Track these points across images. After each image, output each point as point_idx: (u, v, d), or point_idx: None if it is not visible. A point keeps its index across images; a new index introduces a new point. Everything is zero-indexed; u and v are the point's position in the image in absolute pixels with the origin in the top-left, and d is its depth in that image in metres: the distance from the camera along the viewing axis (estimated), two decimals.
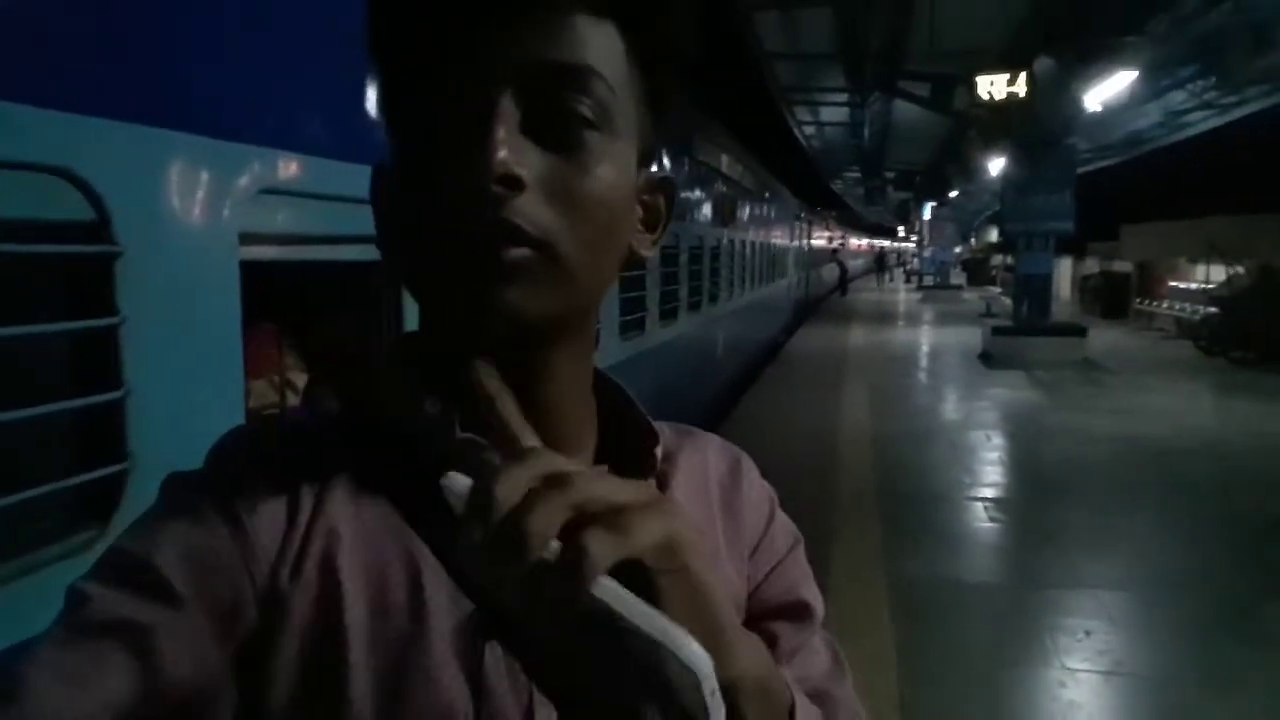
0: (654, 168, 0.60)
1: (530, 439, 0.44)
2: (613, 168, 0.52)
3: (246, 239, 1.64)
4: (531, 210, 0.48)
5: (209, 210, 1.56)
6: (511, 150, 0.47)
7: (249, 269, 1.65)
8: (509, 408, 0.46)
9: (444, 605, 0.52)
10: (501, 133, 0.47)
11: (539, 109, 0.49)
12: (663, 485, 0.63)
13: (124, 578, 0.47)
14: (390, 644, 0.51)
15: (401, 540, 0.54)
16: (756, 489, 0.69)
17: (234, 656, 0.48)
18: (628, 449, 0.62)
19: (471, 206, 0.47)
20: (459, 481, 0.38)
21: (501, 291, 0.49)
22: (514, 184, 0.47)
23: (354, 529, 0.53)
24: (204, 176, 1.55)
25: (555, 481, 0.37)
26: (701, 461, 0.67)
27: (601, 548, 0.36)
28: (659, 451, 0.62)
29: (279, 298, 2.35)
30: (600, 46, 0.51)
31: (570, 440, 0.59)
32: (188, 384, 1.51)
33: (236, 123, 1.63)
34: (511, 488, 0.37)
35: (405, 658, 0.50)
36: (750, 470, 0.70)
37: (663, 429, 0.65)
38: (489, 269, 0.48)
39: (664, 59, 0.55)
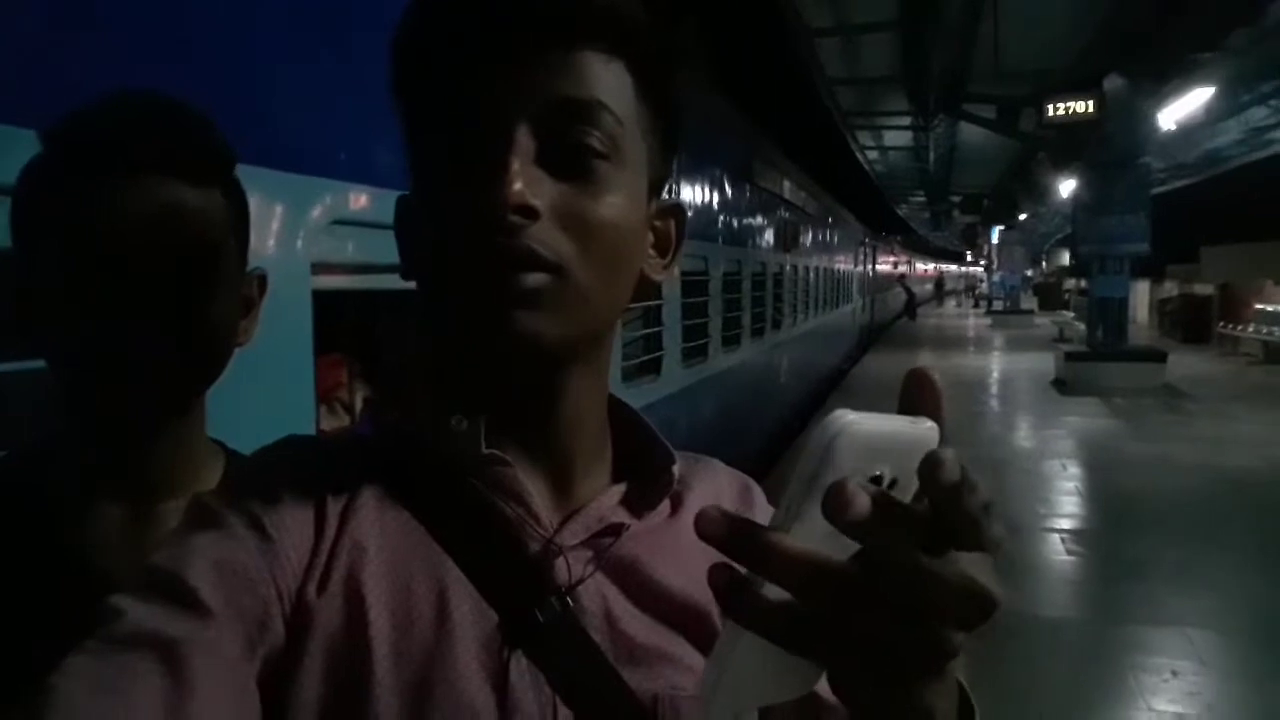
0: (665, 195, 0.63)
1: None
2: (622, 195, 0.55)
3: (318, 268, 1.69)
4: (547, 236, 0.51)
5: (284, 240, 1.60)
6: (526, 181, 0.50)
7: (320, 297, 1.69)
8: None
9: (468, 618, 0.54)
10: (516, 165, 0.50)
11: (552, 141, 0.52)
12: (677, 505, 0.65)
13: (154, 591, 0.48)
14: (415, 657, 0.52)
15: (427, 555, 0.55)
16: (769, 513, 0.69)
17: (261, 669, 0.49)
18: (644, 467, 0.64)
19: (490, 235, 0.50)
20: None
21: (519, 317, 0.51)
22: (529, 213, 0.50)
23: (380, 544, 0.54)
24: (279, 208, 1.60)
25: None
26: (714, 485, 0.69)
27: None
28: (676, 470, 0.64)
29: (348, 324, 2.40)
30: (609, 84, 0.54)
31: (588, 454, 0.62)
32: (262, 408, 1.55)
33: (311, 157, 1.68)
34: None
35: (430, 670, 0.51)
36: (760, 494, 0.72)
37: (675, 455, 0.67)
38: (507, 294, 0.51)
39: (668, 95, 0.59)
